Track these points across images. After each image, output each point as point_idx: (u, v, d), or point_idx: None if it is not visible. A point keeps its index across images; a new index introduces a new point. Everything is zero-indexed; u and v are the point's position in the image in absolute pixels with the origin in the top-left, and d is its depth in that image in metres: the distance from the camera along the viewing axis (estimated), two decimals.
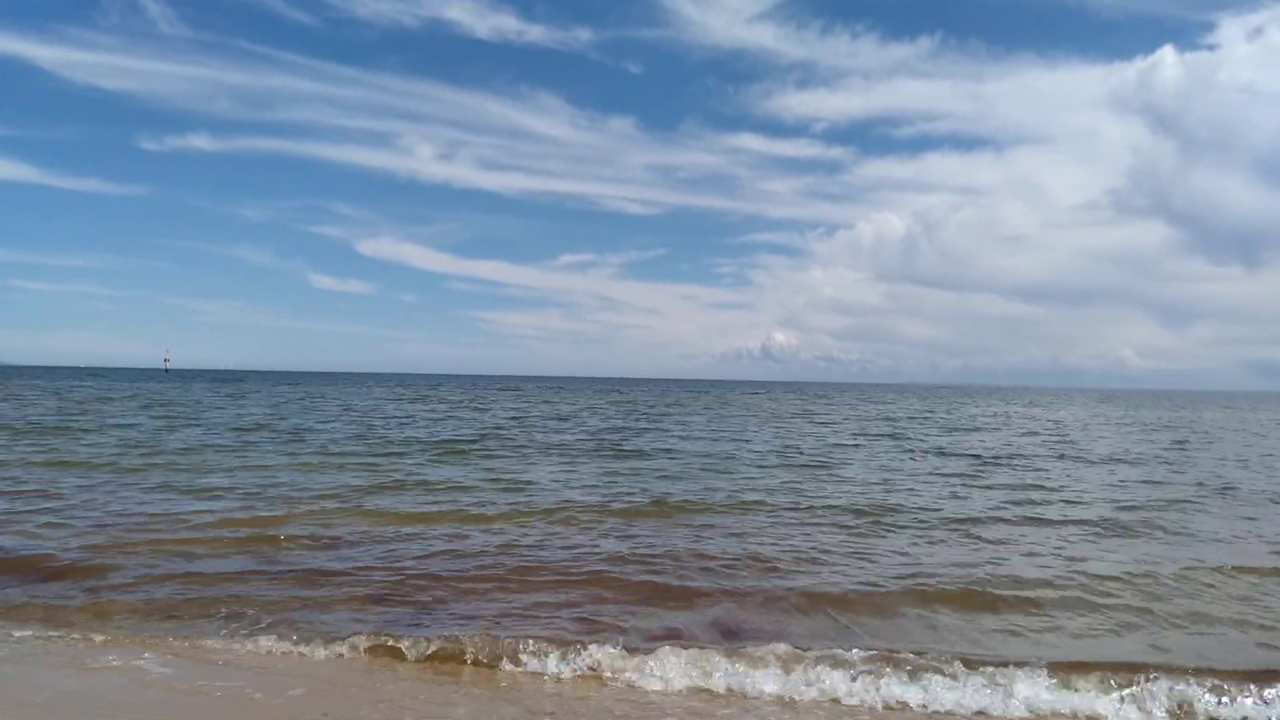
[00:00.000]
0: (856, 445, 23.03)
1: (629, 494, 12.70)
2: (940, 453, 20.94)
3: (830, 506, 11.79)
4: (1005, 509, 11.92)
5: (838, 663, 5.38)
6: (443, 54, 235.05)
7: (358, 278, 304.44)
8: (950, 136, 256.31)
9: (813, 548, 9.08)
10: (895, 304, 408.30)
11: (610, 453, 19.25)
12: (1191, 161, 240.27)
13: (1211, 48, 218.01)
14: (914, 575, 7.85)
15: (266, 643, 5.87)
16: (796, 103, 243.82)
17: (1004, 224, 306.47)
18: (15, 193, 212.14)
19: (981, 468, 17.54)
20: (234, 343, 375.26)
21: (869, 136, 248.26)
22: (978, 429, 31.82)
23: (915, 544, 9.46)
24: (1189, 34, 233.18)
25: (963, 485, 14.53)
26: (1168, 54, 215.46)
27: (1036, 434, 29.33)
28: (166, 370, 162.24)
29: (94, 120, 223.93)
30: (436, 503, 11.67)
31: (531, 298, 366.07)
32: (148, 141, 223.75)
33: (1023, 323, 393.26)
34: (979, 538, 9.85)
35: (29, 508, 10.64)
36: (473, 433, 24.50)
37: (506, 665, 5.52)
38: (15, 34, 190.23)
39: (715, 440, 23.76)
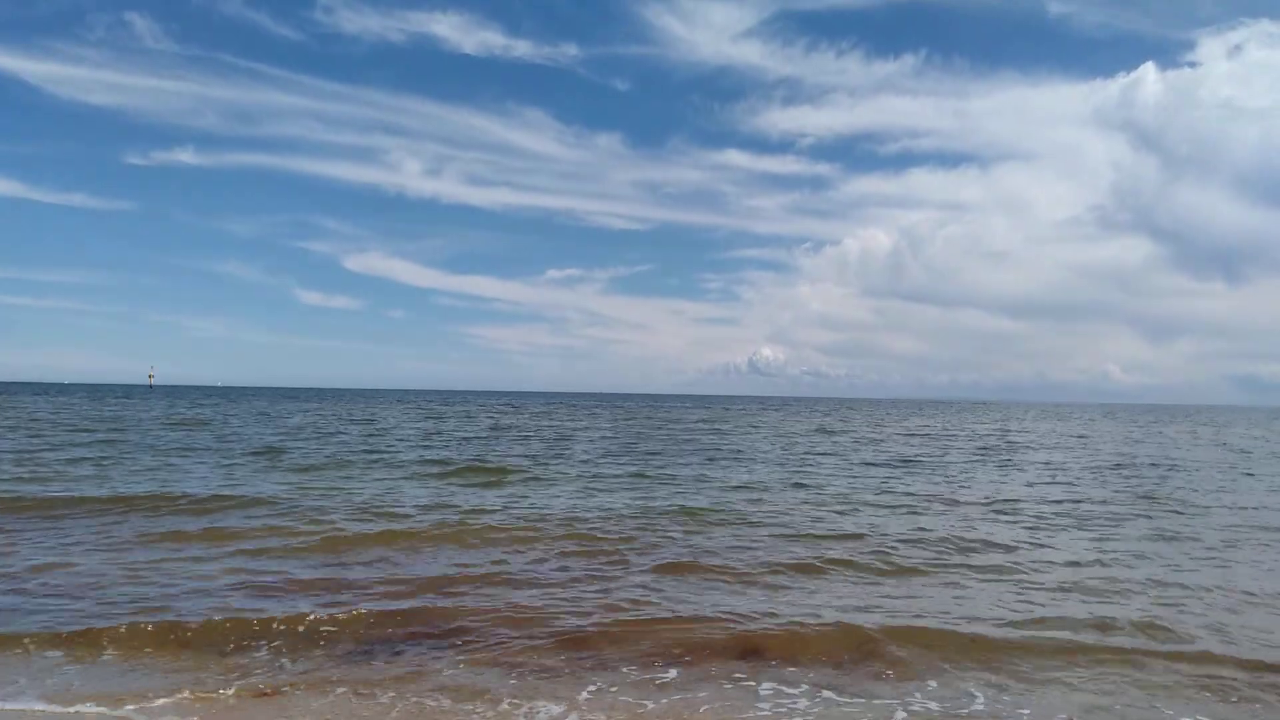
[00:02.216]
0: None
1: None
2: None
3: None
4: None
5: None
6: (429, 70, 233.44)
7: (345, 293, 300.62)
8: (935, 153, 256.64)
9: None
10: (882, 319, 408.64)
11: None
12: (1174, 178, 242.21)
13: (1192, 65, 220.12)
14: None
15: None
16: (782, 119, 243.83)
17: (989, 240, 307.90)
18: (1, 208, 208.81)
19: None
20: (221, 359, 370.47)
21: (854, 153, 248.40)
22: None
23: None
24: (1170, 51, 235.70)
25: None
26: (1149, 71, 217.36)
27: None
28: (151, 387, 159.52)
29: (80, 135, 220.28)
30: None
31: (519, 313, 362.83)
32: (133, 156, 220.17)
33: (1008, 338, 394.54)
34: None
35: None
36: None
37: None
38: (1, 49, 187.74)
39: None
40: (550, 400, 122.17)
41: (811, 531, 11.14)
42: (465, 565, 8.95)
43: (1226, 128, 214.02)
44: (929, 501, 14.42)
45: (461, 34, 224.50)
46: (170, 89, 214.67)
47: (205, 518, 11.35)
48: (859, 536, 10.81)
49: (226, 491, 13.68)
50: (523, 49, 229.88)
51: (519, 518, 11.76)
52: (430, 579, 8.34)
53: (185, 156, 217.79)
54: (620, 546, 9.97)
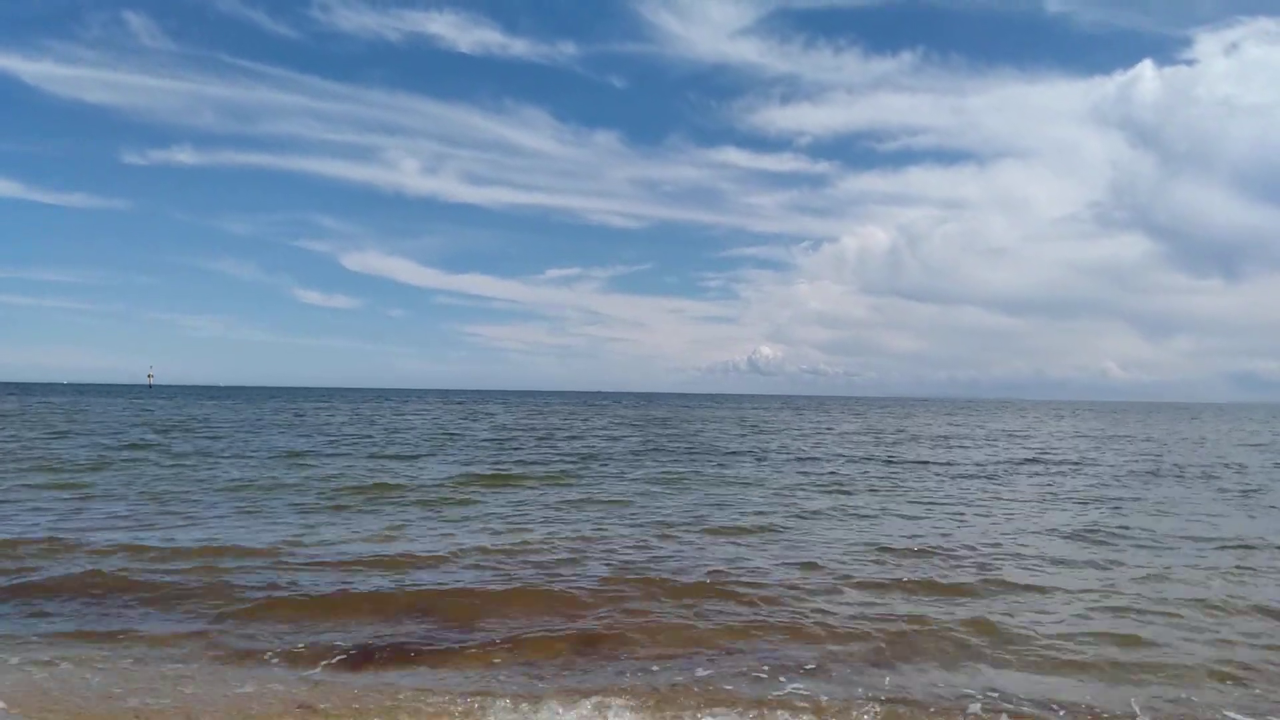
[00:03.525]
0: None
1: None
2: None
3: None
4: None
5: None
6: (426, 68, 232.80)
7: (343, 292, 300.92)
8: (933, 150, 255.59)
9: None
10: (881, 317, 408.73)
11: None
12: (1171, 175, 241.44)
13: (1189, 62, 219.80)
14: None
15: None
16: (780, 117, 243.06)
17: (987, 237, 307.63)
18: None
19: None
20: (219, 358, 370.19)
21: (853, 150, 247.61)
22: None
23: None
24: (1167, 49, 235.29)
25: None
26: (1146, 68, 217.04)
27: None
28: (150, 386, 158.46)
29: (77, 134, 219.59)
30: None
31: (517, 311, 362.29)
32: (131, 155, 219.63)
33: (1007, 335, 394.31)
34: None
35: None
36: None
37: None
38: None
39: None
40: (565, 400, 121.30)
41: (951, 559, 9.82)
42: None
43: (1224, 125, 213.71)
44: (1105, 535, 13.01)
45: (458, 32, 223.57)
46: (167, 88, 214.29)
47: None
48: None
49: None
50: (520, 47, 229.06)
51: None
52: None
53: (183, 155, 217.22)
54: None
